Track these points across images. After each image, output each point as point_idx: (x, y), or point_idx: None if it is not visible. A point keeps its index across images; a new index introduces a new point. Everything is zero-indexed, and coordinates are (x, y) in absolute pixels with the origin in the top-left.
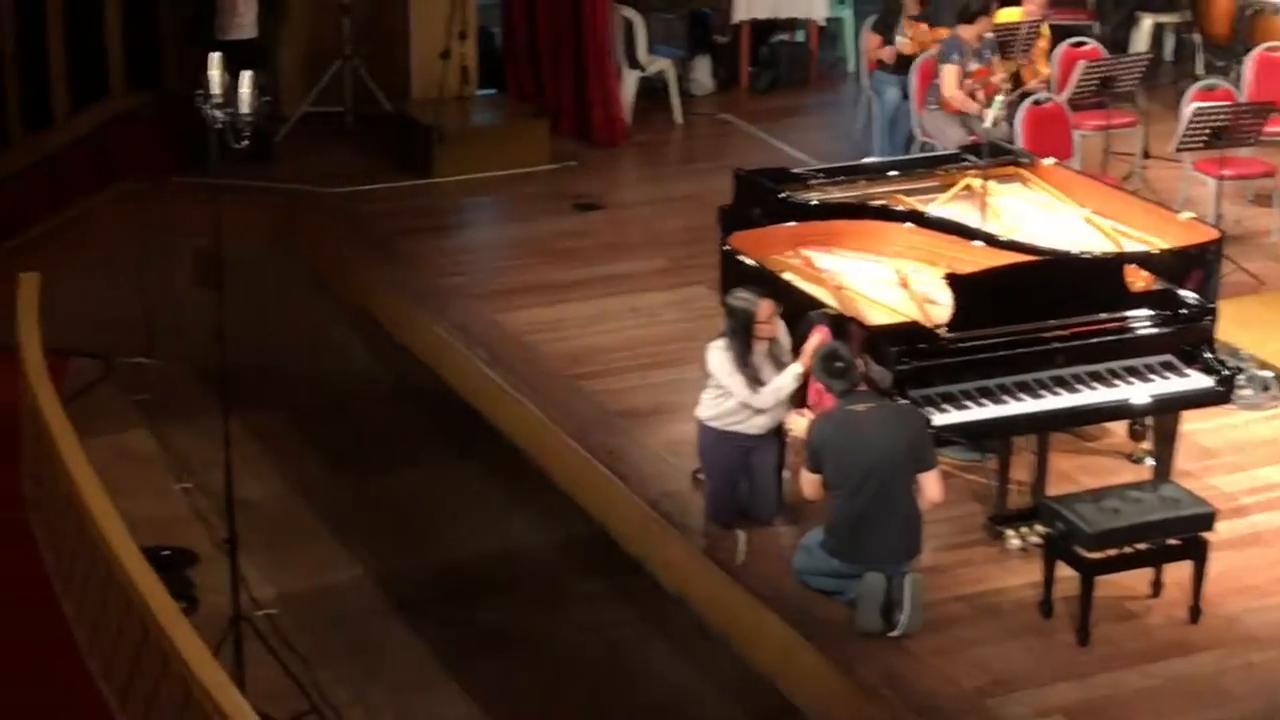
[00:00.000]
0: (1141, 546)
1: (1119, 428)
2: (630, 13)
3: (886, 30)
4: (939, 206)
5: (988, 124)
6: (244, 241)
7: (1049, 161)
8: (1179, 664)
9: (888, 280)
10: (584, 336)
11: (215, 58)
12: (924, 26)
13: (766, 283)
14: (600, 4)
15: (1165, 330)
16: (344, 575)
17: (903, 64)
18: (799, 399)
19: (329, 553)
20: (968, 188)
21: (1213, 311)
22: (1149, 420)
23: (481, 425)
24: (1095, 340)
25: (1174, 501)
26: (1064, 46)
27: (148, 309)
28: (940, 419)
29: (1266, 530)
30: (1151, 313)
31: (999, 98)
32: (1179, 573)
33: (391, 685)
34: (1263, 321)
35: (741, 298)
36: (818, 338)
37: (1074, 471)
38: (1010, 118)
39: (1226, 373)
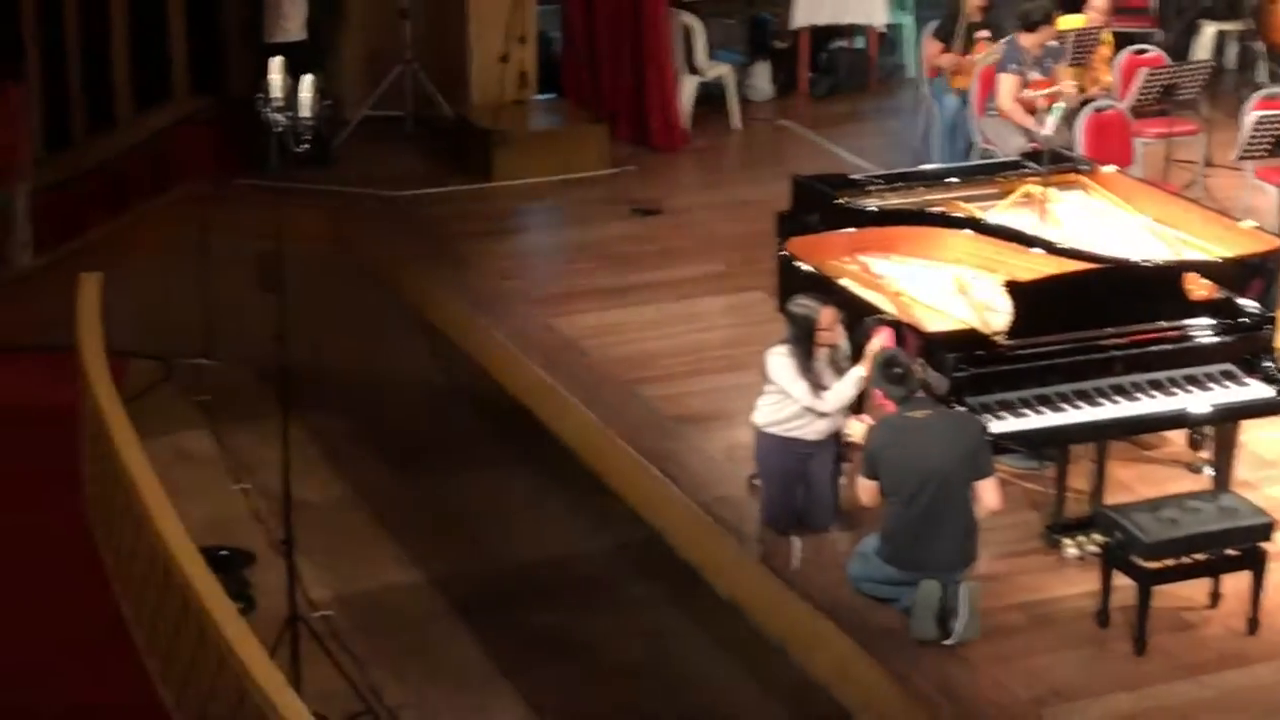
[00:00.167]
0: (1199, 557)
1: (1178, 436)
2: (689, 18)
3: (947, 37)
4: (998, 213)
5: (1047, 131)
6: (303, 244)
7: (1110, 169)
8: (1236, 675)
9: (946, 287)
10: (641, 341)
11: (276, 62)
12: (973, 58)
13: (823, 288)
14: (659, 9)
15: (1225, 339)
16: (400, 578)
17: None
18: (856, 405)
19: (385, 555)
20: (1027, 195)
21: (1273, 320)
22: (1208, 429)
23: (538, 429)
24: (1154, 349)
25: (1232, 512)
26: (1126, 54)
27: (208, 311)
28: (998, 426)
29: None
30: (1211, 321)
31: (1059, 105)
32: (1237, 583)
33: (446, 688)
34: None
35: (803, 305)
36: (880, 339)
37: (1132, 480)
38: (1071, 124)
39: None
